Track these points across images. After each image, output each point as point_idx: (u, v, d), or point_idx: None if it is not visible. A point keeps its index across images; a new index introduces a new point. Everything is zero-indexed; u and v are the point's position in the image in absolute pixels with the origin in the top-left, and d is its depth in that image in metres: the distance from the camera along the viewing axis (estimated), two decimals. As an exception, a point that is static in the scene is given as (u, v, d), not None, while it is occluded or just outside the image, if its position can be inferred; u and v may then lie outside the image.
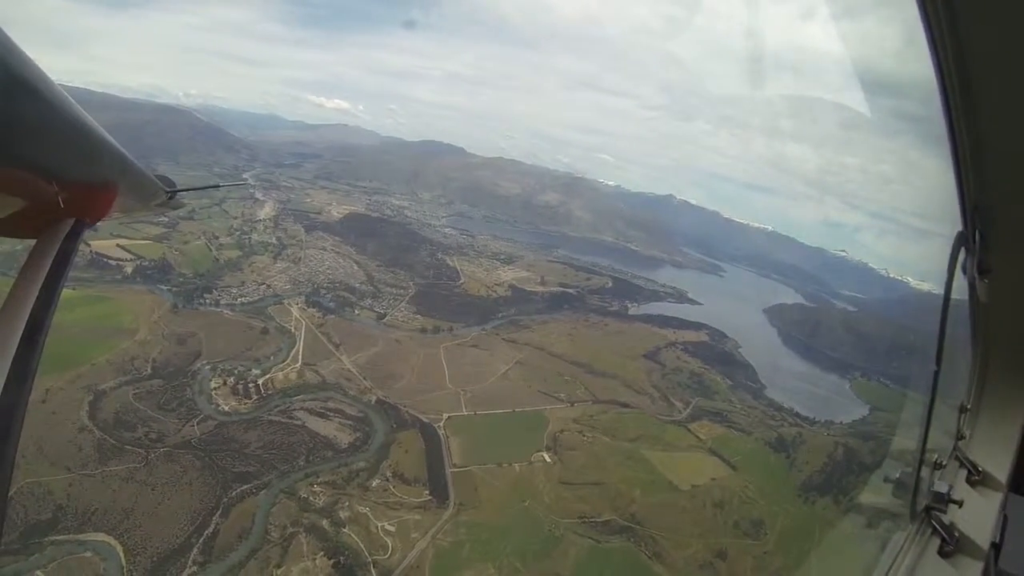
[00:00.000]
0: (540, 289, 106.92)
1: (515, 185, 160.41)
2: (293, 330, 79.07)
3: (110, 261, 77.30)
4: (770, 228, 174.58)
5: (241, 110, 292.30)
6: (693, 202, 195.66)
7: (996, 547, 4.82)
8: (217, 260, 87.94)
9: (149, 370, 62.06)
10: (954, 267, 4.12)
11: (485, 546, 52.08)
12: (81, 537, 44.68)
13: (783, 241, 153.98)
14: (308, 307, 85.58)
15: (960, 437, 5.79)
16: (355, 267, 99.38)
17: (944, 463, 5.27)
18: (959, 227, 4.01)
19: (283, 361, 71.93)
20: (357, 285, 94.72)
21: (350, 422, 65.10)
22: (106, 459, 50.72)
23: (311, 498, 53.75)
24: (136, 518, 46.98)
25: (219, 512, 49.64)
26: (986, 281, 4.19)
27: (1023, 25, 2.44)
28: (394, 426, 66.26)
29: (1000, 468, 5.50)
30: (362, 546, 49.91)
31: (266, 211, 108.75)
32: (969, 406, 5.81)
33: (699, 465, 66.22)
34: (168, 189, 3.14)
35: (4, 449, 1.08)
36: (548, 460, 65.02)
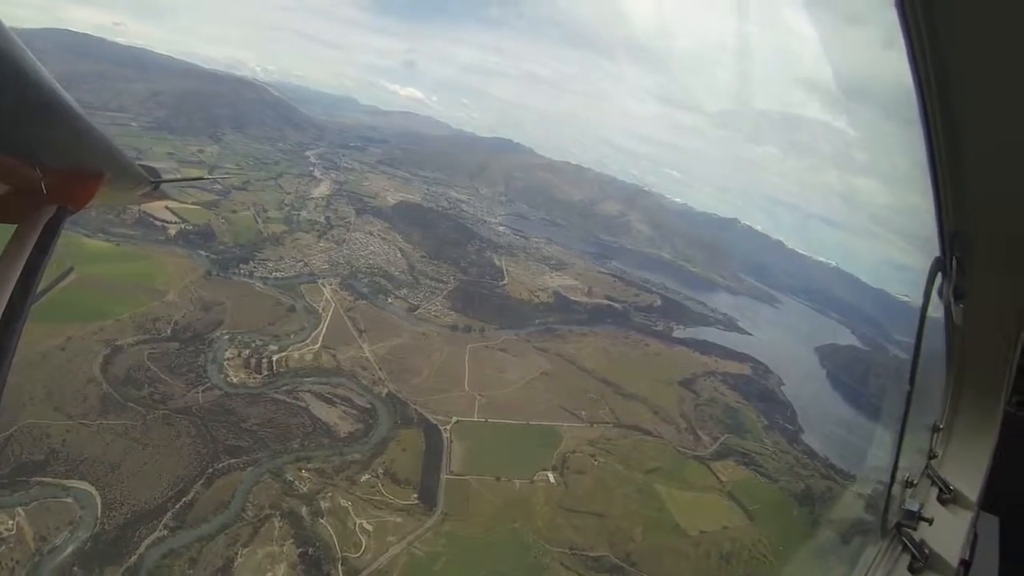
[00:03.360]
0: (585, 299, 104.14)
1: (578, 191, 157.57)
2: (320, 311, 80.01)
3: (156, 222, 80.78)
4: (833, 263, 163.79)
5: (317, 90, 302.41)
6: (758, 228, 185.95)
7: (966, 564, 4.92)
8: (261, 233, 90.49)
9: (169, 332, 64.37)
10: (930, 291, 4.40)
11: (461, 562, 50.48)
12: (66, 483, 46.95)
13: (845, 278, 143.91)
14: (341, 289, 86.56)
15: (932, 456, 6.01)
16: (398, 255, 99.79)
17: (916, 481, 5.54)
18: (936, 253, 4.22)
19: (303, 341, 72.81)
20: (396, 273, 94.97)
21: (355, 412, 65.06)
22: (107, 412, 53.00)
23: (295, 483, 54.17)
24: (121, 473, 49.12)
25: (202, 481, 50.91)
26: (961, 306, 4.35)
27: (1004, 52, 2.48)
28: (398, 422, 65.80)
29: (971, 487, 5.64)
30: (335, 540, 49.60)
31: (321, 190, 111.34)
32: (942, 426, 6.00)
33: (713, 509, 61.93)
34: (153, 179, 3.21)
35: None
36: (552, 481, 62.59)
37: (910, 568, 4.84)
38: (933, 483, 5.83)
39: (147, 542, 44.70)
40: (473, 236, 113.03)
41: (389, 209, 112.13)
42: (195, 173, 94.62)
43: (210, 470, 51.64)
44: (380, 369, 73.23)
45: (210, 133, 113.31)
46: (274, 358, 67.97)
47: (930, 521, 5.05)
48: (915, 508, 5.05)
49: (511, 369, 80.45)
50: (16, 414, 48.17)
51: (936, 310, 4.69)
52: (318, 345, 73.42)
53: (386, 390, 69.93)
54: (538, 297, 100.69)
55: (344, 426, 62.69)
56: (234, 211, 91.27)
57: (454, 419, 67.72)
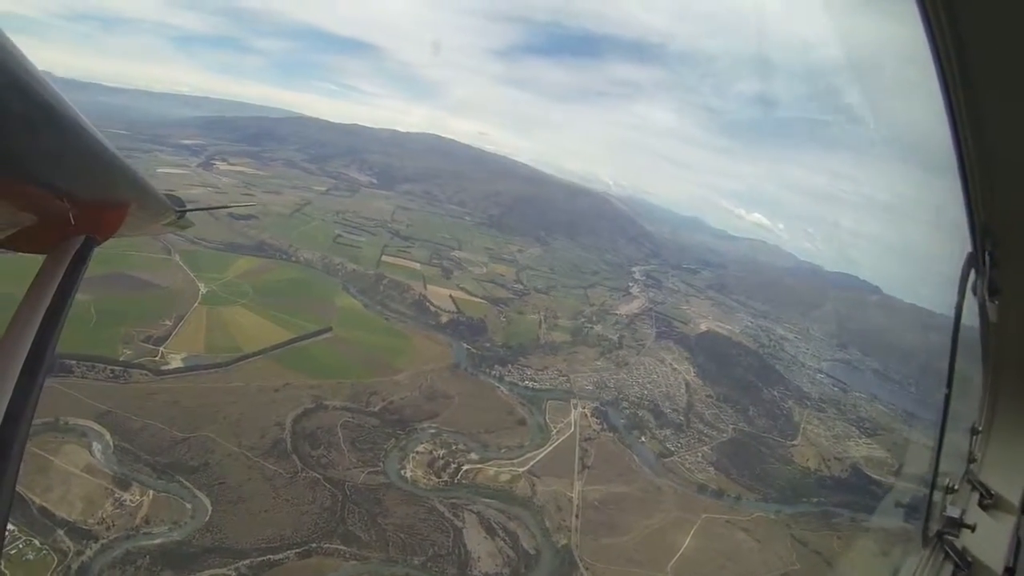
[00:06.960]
0: (890, 480, 76.78)
1: (923, 341, 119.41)
2: (554, 433, 77.00)
3: (431, 307, 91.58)
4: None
5: (666, 208, 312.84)
6: None
7: (1010, 571, 4.95)
8: (538, 339, 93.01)
9: (377, 408, 70.46)
10: (964, 289, 4.47)
11: None
12: (197, 492, 55.04)
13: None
14: (592, 415, 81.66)
15: (972, 460, 6.04)
16: (681, 390, 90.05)
17: (956, 487, 5.61)
18: (968, 248, 4.25)
19: (511, 459, 70.74)
20: (667, 410, 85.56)
21: (511, 553, 59.66)
22: (269, 455, 60.95)
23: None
24: (241, 507, 54.87)
25: (299, 551, 53.00)
26: (996, 302, 4.37)
27: None
28: (552, 584, 57.06)
29: (1013, 491, 5.62)
30: None
31: (629, 307, 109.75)
32: (980, 428, 6.00)
33: None
34: (178, 208, 3.64)
35: (5, 470, 1.24)
36: None
37: None
38: (974, 488, 5.75)
39: (214, 571, 48.85)
40: (779, 381, 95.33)
41: (694, 337, 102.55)
42: (501, 270, 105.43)
43: (314, 545, 53.77)
44: (577, 516, 65.37)
45: (538, 236, 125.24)
46: (464, 467, 67.33)
47: (972, 528, 5.12)
48: (956, 515, 5.17)
49: (743, 559, 63.19)
50: (202, 425, 60.49)
51: (971, 308, 4.70)
52: (525, 468, 69.97)
53: (566, 542, 61.83)
54: (828, 468, 78.86)
55: (486, 564, 57.55)
56: (521, 312, 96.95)
57: (621, 605, 55.94)
